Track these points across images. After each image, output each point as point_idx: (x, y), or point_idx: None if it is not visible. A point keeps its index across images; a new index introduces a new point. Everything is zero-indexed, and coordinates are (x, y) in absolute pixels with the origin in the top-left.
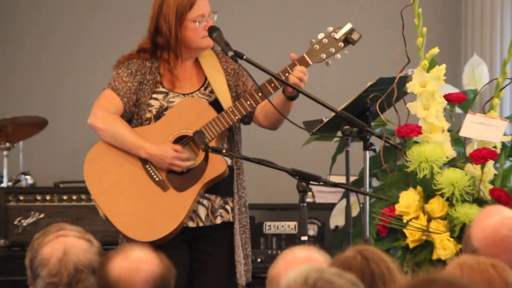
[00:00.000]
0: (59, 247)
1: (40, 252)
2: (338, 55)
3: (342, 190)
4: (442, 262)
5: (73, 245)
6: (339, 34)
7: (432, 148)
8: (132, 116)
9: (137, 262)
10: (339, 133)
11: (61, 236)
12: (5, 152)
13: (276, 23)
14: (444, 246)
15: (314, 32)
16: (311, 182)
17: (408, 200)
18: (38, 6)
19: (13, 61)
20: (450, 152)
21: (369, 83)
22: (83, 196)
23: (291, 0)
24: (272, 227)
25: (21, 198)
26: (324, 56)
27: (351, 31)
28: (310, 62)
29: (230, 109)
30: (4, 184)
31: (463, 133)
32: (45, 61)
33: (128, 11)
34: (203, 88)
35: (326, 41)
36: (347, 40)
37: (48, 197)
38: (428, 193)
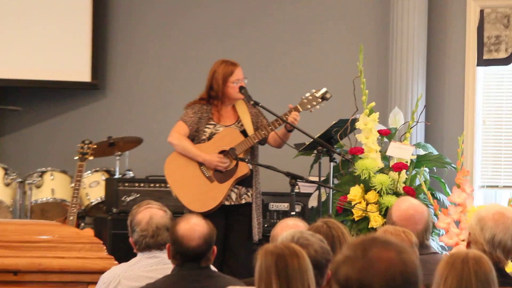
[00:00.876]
0: (147, 214)
1: (136, 217)
2: (318, 106)
3: (316, 185)
4: (374, 229)
5: (155, 213)
6: (318, 94)
7: (370, 161)
8: (194, 137)
9: (194, 224)
10: (315, 151)
11: (149, 208)
12: (117, 157)
13: (281, 77)
14: (376, 220)
15: (304, 88)
16: (297, 180)
17: (355, 192)
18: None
19: (119, 101)
20: (380, 164)
21: (333, 122)
22: (162, 184)
23: (286, 66)
24: (274, 206)
25: (126, 184)
26: (309, 106)
27: (325, 92)
28: (301, 110)
29: (252, 136)
30: (116, 176)
31: (388, 153)
32: (142, 97)
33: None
34: (236, 122)
35: (310, 97)
36: (323, 97)
37: (142, 184)
38: (367, 188)
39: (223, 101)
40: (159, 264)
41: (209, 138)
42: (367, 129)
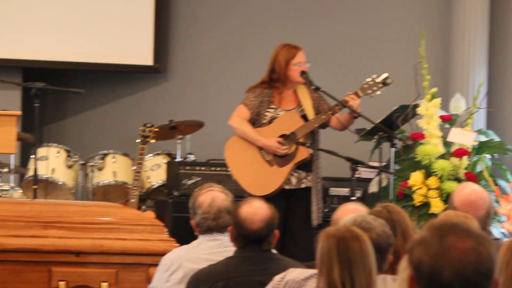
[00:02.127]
0: (209, 196)
1: (197, 199)
2: (378, 91)
3: (377, 170)
4: (434, 215)
5: (217, 196)
6: (379, 79)
7: (431, 147)
8: (255, 121)
9: (256, 208)
10: (376, 137)
11: (210, 190)
12: (178, 141)
13: (342, 62)
14: (437, 205)
15: (366, 74)
16: (358, 165)
17: (416, 178)
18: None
19: (181, 84)
20: (441, 150)
21: (394, 108)
22: (223, 168)
23: (346, 54)
24: (334, 191)
25: (187, 168)
26: (370, 91)
27: (386, 77)
28: (361, 95)
29: (312, 120)
30: (177, 159)
31: (449, 139)
32: (204, 81)
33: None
34: (297, 107)
35: (371, 83)
36: (384, 83)
37: (203, 168)
38: (428, 174)
39: (284, 84)
40: (220, 246)
41: (270, 122)
42: (429, 114)
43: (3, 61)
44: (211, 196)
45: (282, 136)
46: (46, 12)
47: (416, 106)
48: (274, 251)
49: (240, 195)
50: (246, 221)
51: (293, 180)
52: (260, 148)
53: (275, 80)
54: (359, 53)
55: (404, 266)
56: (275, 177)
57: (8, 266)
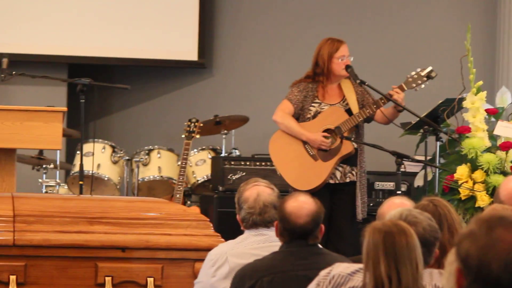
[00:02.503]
0: (255, 191)
1: (243, 194)
2: (423, 85)
3: (422, 164)
4: (480, 209)
5: (263, 191)
6: (423, 73)
7: (477, 140)
8: (299, 116)
9: (302, 202)
10: (421, 130)
11: (256, 185)
12: (223, 136)
13: (388, 58)
14: (483, 199)
15: (410, 68)
16: (404, 159)
17: (462, 171)
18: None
19: (226, 80)
20: (487, 143)
21: (440, 101)
22: (268, 163)
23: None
24: (380, 185)
25: (232, 163)
26: (414, 85)
27: (431, 71)
28: (405, 88)
29: (357, 114)
30: (223, 155)
31: (495, 132)
32: (248, 76)
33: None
34: (342, 101)
35: (416, 76)
36: (428, 76)
37: (248, 163)
38: (474, 167)
39: (328, 78)
40: (265, 241)
41: (314, 116)
42: (475, 108)
43: (49, 58)
44: (257, 191)
45: (327, 130)
46: (92, 8)
47: (462, 99)
48: (320, 245)
49: (285, 189)
50: (292, 215)
51: (338, 175)
52: (305, 143)
53: (319, 74)
54: (404, 46)
55: (451, 260)
56: (320, 172)
57: (54, 262)
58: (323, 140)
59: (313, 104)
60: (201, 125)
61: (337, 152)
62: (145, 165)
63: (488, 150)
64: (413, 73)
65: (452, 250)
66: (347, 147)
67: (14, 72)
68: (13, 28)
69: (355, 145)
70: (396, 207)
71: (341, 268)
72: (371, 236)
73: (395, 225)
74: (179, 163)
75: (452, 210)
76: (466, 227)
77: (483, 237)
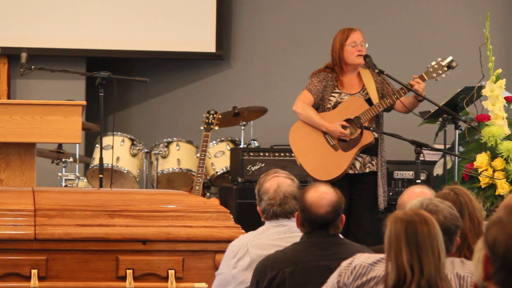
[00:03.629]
0: (275, 182)
1: (263, 185)
2: (443, 75)
3: (441, 153)
4: (501, 197)
5: (283, 182)
6: (444, 62)
7: (496, 128)
8: (319, 106)
9: (322, 192)
10: (440, 119)
11: (276, 176)
12: (242, 127)
13: (409, 47)
14: (503, 187)
15: (429, 57)
16: (423, 148)
17: (481, 159)
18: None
19: (244, 71)
20: (507, 131)
21: (459, 89)
22: (287, 154)
23: (413, 37)
24: (399, 174)
25: (251, 154)
26: (435, 75)
27: (451, 61)
28: (426, 78)
29: (377, 104)
30: (241, 146)
31: None
32: (266, 67)
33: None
34: (361, 91)
35: (436, 66)
36: (449, 66)
37: (267, 154)
38: (494, 155)
39: (342, 68)
40: (286, 232)
41: (334, 106)
42: (494, 96)
43: (67, 51)
44: (277, 182)
45: (347, 120)
46: (109, 1)
47: (481, 87)
48: (341, 235)
49: (304, 180)
50: (313, 205)
51: (357, 165)
52: (325, 133)
53: (335, 64)
54: (423, 35)
55: (479, 247)
56: (340, 162)
57: (76, 255)
58: (342, 131)
59: (333, 94)
60: (220, 116)
61: (357, 142)
62: (164, 157)
63: (507, 138)
64: (434, 63)
65: (481, 237)
66: (368, 137)
67: (33, 67)
68: (31, 22)
69: (376, 135)
70: (416, 196)
71: (363, 258)
72: (392, 225)
73: (416, 214)
74: (198, 155)
75: (473, 198)
76: (495, 214)
77: (510, 224)
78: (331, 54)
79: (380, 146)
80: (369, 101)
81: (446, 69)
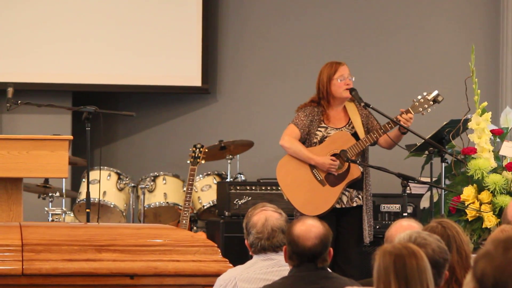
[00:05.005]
0: (263, 216)
1: (251, 219)
2: (429, 109)
3: (428, 186)
4: (488, 230)
5: (271, 215)
6: (430, 97)
7: (483, 161)
8: (305, 140)
9: (309, 225)
10: (426, 152)
11: (264, 210)
12: (229, 161)
13: (393, 84)
14: (490, 220)
15: (413, 91)
16: (409, 181)
17: (468, 192)
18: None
19: (230, 105)
20: (493, 164)
21: (445, 123)
22: (274, 187)
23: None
24: (385, 207)
25: (238, 187)
26: (421, 109)
27: (437, 95)
28: (412, 113)
29: (364, 139)
30: (228, 180)
31: (501, 153)
32: (252, 101)
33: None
34: (347, 125)
35: (422, 100)
36: (435, 100)
37: (253, 187)
38: (480, 188)
39: (329, 101)
40: (274, 266)
41: (321, 141)
42: (480, 129)
43: (53, 86)
44: (265, 216)
45: (334, 155)
46: (95, 36)
47: (467, 120)
48: (329, 269)
49: (291, 213)
50: (300, 238)
51: (344, 199)
52: (312, 168)
53: (321, 98)
54: (409, 68)
55: (468, 280)
56: (328, 197)
57: None
58: (331, 163)
59: (319, 129)
60: (206, 150)
61: (344, 177)
62: (151, 191)
63: (494, 170)
64: (419, 97)
65: (470, 271)
66: (355, 172)
67: (19, 101)
68: (17, 57)
69: (361, 169)
70: (404, 229)
71: None
72: (381, 259)
73: (405, 247)
74: (185, 189)
75: (461, 231)
76: (483, 247)
77: (499, 257)
78: (317, 87)
79: (365, 179)
80: (355, 135)
81: (432, 103)
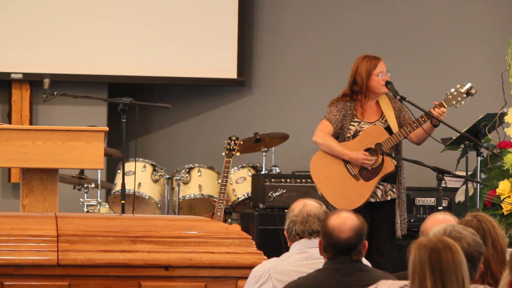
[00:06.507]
0: (301, 203)
1: (291, 206)
2: (462, 102)
3: (463, 179)
4: None
5: (310, 203)
6: (463, 89)
7: None
8: (338, 135)
9: (344, 218)
10: (462, 146)
11: (304, 199)
12: (264, 153)
13: (428, 76)
14: None
15: (448, 84)
16: (445, 174)
17: (503, 186)
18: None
19: (265, 97)
20: None
21: (481, 116)
22: (308, 180)
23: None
24: (420, 201)
25: (273, 180)
26: (454, 102)
27: (470, 87)
28: (446, 106)
29: (397, 133)
30: (263, 172)
31: None
32: (288, 93)
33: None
34: (380, 119)
35: (455, 93)
36: (468, 93)
37: (288, 180)
38: None
39: (366, 96)
40: (309, 259)
41: (354, 135)
42: None
43: (90, 77)
44: (304, 203)
45: (367, 149)
46: (131, 28)
47: (503, 114)
48: (365, 261)
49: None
50: (335, 230)
51: (379, 193)
52: (346, 163)
53: (357, 92)
54: (445, 62)
55: (506, 273)
56: (362, 192)
57: (98, 281)
58: (365, 158)
59: (352, 123)
60: (241, 142)
61: (378, 171)
62: (186, 183)
63: None
64: (453, 90)
65: (505, 264)
66: (389, 166)
67: (56, 93)
68: (54, 49)
69: (395, 162)
70: (439, 223)
71: (386, 285)
72: (417, 252)
73: (440, 241)
74: (220, 181)
75: (496, 225)
76: None
77: None
78: (352, 81)
79: (399, 173)
80: (388, 129)
81: (465, 96)
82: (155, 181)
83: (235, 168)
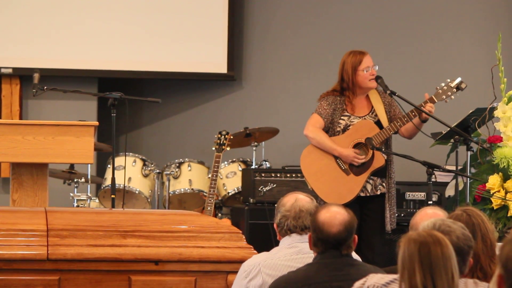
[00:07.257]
0: (293, 197)
1: (282, 200)
2: (452, 97)
3: (453, 174)
4: None
5: (302, 198)
6: (453, 84)
7: (508, 150)
8: (328, 129)
9: (334, 212)
10: (452, 140)
11: (295, 193)
12: (254, 148)
13: (417, 71)
14: None
15: (438, 79)
16: (435, 169)
17: (493, 181)
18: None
19: (255, 92)
20: None
21: (471, 111)
22: (299, 174)
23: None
24: (410, 195)
25: (263, 174)
26: (444, 97)
27: (460, 82)
28: (436, 100)
29: (388, 127)
30: (253, 167)
31: None
32: (278, 88)
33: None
34: (370, 113)
35: (445, 88)
36: (458, 87)
37: (278, 174)
38: (506, 177)
39: (354, 91)
40: (299, 253)
41: (344, 130)
42: (506, 117)
43: (79, 72)
44: (295, 197)
45: (357, 144)
46: (121, 22)
47: (493, 109)
48: (355, 255)
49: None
50: (325, 224)
51: (369, 187)
52: (336, 157)
53: (345, 88)
54: (435, 56)
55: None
56: (352, 186)
57: (88, 275)
58: (355, 156)
59: (342, 118)
60: (231, 137)
61: (369, 166)
62: (176, 178)
63: None
64: (443, 84)
65: (494, 258)
66: (379, 160)
67: (45, 87)
68: (43, 43)
69: (385, 157)
70: (429, 217)
71: (376, 279)
72: (406, 246)
73: (430, 235)
74: (210, 175)
75: (486, 220)
76: (509, 235)
77: None
78: (340, 77)
79: (389, 167)
80: (378, 123)
81: (455, 90)
82: (145, 176)
83: (225, 162)
